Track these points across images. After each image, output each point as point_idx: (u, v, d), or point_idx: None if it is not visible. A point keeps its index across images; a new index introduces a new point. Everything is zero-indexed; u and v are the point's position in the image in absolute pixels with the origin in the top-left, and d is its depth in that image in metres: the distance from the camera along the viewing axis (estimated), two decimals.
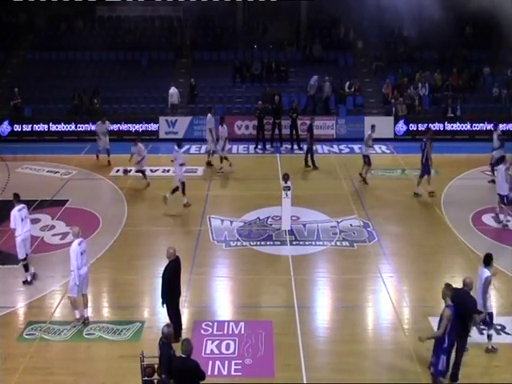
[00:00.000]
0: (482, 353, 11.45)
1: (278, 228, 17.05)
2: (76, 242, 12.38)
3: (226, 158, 22.25)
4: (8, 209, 16.56)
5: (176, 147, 19.08)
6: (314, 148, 22.94)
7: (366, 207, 18.70)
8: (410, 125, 26.88)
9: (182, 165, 18.71)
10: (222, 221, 17.67)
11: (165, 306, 11.73)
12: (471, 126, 26.86)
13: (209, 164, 22.92)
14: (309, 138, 22.48)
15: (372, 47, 30.80)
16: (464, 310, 10.35)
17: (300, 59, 31.06)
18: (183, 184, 18.60)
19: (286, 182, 16.76)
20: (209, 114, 23.06)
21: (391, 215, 18.31)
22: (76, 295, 12.43)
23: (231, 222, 17.54)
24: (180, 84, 29.61)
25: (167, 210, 18.81)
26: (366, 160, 20.91)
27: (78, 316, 12.52)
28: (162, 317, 12.13)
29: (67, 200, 19.32)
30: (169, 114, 27.41)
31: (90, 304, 13.61)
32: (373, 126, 21.28)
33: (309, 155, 22.61)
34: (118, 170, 22.05)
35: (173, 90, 27.47)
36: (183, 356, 8.88)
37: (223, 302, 13.72)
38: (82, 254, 12.34)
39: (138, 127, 26.58)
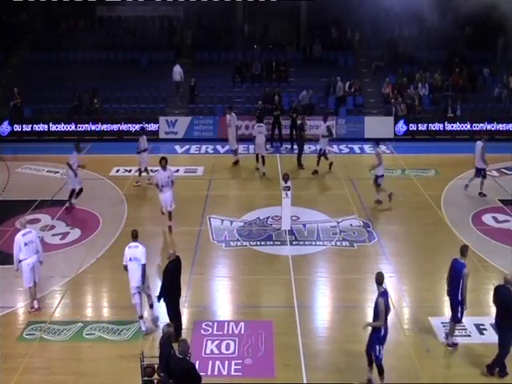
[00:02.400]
0: (481, 352, 11.45)
1: (278, 228, 17.05)
2: (20, 232, 12.90)
3: (146, 171, 20.57)
4: (8, 209, 16.65)
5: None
6: (313, 148, 22.91)
7: (366, 207, 18.70)
8: (410, 125, 26.87)
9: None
10: (222, 221, 17.67)
11: (163, 304, 11.72)
12: (471, 126, 26.84)
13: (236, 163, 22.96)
14: (299, 138, 22.55)
15: (372, 47, 30.79)
16: (506, 306, 10.69)
17: (300, 59, 31.05)
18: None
19: (285, 182, 16.76)
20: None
21: (391, 215, 18.30)
22: (31, 285, 12.94)
23: (231, 222, 17.53)
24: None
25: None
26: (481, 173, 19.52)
27: (36, 306, 12.97)
28: (162, 317, 12.13)
29: (67, 200, 19.29)
30: (173, 92, 28.38)
31: (89, 304, 13.70)
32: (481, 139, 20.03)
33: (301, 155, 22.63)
34: (118, 170, 22.05)
35: (176, 68, 28.14)
36: (180, 356, 8.88)
37: (223, 302, 13.71)
38: (26, 244, 12.78)
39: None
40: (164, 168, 16.75)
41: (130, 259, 12.04)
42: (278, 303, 13.50)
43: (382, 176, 18.66)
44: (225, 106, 27.62)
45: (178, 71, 28.31)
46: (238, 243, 16.33)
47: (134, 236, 12.30)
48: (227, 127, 23.17)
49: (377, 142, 19.74)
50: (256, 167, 22.18)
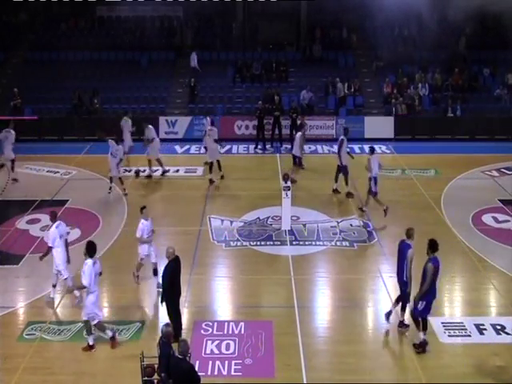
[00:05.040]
0: (481, 352, 11.45)
1: (278, 228, 17.04)
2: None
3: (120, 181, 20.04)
4: (8, 209, 16.58)
5: None
6: (313, 148, 22.92)
7: (366, 207, 18.67)
8: None
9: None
10: (222, 221, 17.66)
11: (164, 304, 11.72)
12: (471, 126, 26.78)
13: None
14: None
15: (372, 47, 30.81)
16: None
17: (300, 59, 31.08)
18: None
19: (285, 182, 16.76)
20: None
21: (391, 215, 18.27)
22: None
23: (231, 222, 17.53)
24: (180, 84, 29.66)
25: (167, 210, 18.82)
26: None
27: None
28: (162, 317, 12.12)
29: (67, 200, 19.31)
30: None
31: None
32: None
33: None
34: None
35: (191, 56, 29.37)
36: (179, 357, 8.88)
37: (223, 302, 13.72)
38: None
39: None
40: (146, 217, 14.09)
41: (61, 237, 13.00)
42: (277, 303, 13.49)
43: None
44: (225, 106, 27.78)
45: (192, 58, 29.27)
46: (238, 243, 16.32)
47: (55, 216, 13.24)
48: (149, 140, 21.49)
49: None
50: (214, 178, 20.86)
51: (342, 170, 19.32)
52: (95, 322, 11.56)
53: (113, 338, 11.66)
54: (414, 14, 27.95)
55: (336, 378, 10.81)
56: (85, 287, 11.47)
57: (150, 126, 21.64)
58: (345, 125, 21.22)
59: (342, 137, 19.64)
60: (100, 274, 11.75)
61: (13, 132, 21.49)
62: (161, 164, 21.67)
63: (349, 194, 19.39)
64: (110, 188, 19.93)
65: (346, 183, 19.44)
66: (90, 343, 11.60)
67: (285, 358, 11.31)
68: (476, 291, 13.56)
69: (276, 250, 15.99)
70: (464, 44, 30.40)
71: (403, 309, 12.11)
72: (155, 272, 13.74)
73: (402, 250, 11.77)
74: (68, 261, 13.22)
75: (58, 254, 13.04)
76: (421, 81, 28.39)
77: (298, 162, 21.01)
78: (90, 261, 11.40)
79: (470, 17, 26.51)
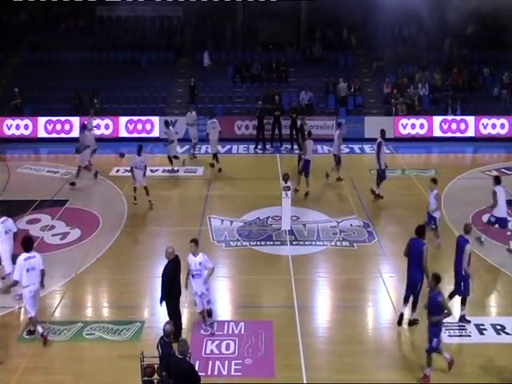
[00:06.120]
0: (481, 352, 11.45)
1: (278, 228, 17.04)
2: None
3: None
4: (8, 209, 16.54)
5: None
6: (313, 148, 22.89)
7: (366, 207, 18.70)
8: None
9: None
10: (222, 221, 17.66)
11: (163, 304, 11.72)
12: (471, 126, 26.79)
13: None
14: (300, 138, 22.62)
15: (372, 47, 30.82)
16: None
17: (300, 59, 31.10)
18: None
19: (285, 182, 16.76)
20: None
21: (391, 215, 18.31)
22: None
23: (231, 222, 17.53)
24: (180, 84, 29.67)
25: (167, 210, 18.81)
26: None
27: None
28: (162, 317, 12.10)
29: (67, 200, 19.32)
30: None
31: (89, 304, 13.70)
32: None
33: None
34: (118, 170, 22.04)
35: (204, 55, 29.75)
36: (179, 357, 8.88)
37: (223, 302, 13.70)
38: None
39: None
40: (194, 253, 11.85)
41: (6, 232, 13.36)
42: (278, 303, 13.50)
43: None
44: (225, 106, 27.76)
45: (205, 57, 29.70)
46: (238, 243, 16.32)
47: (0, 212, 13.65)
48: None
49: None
50: (210, 163, 22.32)
51: (381, 172, 19.07)
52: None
53: (43, 335, 11.67)
54: (413, 14, 27.93)
55: (336, 377, 10.81)
56: (16, 283, 11.66)
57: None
58: (382, 127, 20.30)
59: (379, 139, 19.16)
60: (43, 270, 11.71)
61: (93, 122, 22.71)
62: (78, 172, 20.70)
63: (377, 196, 19.19)
64: (135, 198, 18.92)
65: (378, 185, 19.19)
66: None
67: (285, 358, 11.30)
68: (476, 291, 13.53)
69: (276, 250, 15.99)
70: (449, 44, 30.35)
71: (463, 303, 12.34)
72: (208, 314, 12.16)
73: (461, 245, 12.16)
74: (13, 255, 13.22)
75: (3, 248, 13.25)
76: (421, 81, 28.40)
77: (338, 161, 20.73)
78: (22, 255, 11.56)
79: (469, 17, 26.58)
